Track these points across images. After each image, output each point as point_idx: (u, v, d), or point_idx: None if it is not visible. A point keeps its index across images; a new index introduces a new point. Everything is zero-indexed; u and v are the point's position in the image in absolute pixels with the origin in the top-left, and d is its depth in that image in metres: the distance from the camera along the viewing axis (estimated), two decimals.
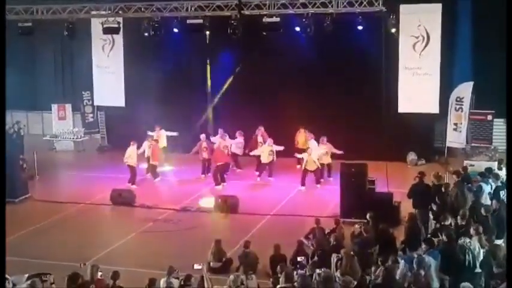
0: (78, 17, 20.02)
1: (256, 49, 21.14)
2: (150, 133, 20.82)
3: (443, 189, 14.02)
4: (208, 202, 17.78)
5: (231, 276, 10.36)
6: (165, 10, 19.29)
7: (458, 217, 11.95)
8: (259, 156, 20.42)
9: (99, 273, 10.40)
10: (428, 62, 20.30)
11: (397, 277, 9.69)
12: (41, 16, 19.86)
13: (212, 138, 20.73)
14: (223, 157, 19.67)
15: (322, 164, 19.12)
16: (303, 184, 18.88)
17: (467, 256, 10.40)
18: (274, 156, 19.78)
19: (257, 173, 20.22)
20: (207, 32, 20.48)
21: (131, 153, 19.58)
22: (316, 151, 18.99)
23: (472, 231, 10.96)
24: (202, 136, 20.35)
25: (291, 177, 19.68)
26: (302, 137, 20.56)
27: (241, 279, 10.32)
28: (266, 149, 19.74)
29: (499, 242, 11.57)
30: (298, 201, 18.07)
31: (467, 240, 10.67)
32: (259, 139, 20.50)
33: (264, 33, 19.05)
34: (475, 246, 10.60)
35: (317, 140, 19.55)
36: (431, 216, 13.72)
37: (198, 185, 19.61)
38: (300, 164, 20.12)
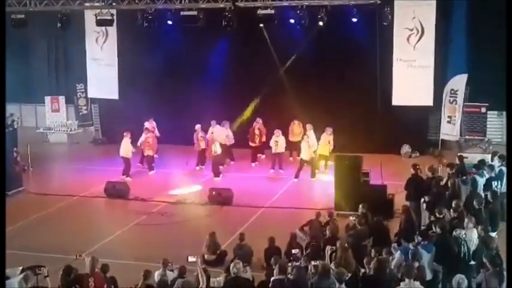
0: (72, 9, 19.92)
1: (251, 41, 21.10)
2: (146, 125, 20.70)
3: (437, 182, 14.04)
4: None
5: (232, 265, 10.16)
6: (159, 2, 19.19)
7: (451, 209, 11.98)
8: (254, 148, 20.46)
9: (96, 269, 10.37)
10: (423, 54, 20.28)
11: (392, 268, 9.71)
12: (34, 8, 19.73)
13: (211, 129, 20.60)
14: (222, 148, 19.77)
15: (321, 155, 19.10)
16: (296, 176, 18.87)
17: (462, 248, 10.43)
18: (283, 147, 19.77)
19: (252, 164, 20.33)
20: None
21: (126, 145, 19.54)
22: (313, 141, 18.99)
23: (465, 223, 10.99)
24: (198, 126, 20.25)
25: (285, 170, 19.69)
26: (296, 129, 20.57)
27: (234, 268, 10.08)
28: (278, 140, 19.64)
29: (493, 234, 11.61)
30: (293, 193, 18.08)
31: (463, 231, 10.68)
32: (256, 131, 20.50)
33: (259, 25, 19.01)
34: (472, 238, 10.62)
35: (322, 130, 19.44)
36: (424, 208, 13.76)
37: (193, 177, 19.58)
38: (292, 156, 20.17)
